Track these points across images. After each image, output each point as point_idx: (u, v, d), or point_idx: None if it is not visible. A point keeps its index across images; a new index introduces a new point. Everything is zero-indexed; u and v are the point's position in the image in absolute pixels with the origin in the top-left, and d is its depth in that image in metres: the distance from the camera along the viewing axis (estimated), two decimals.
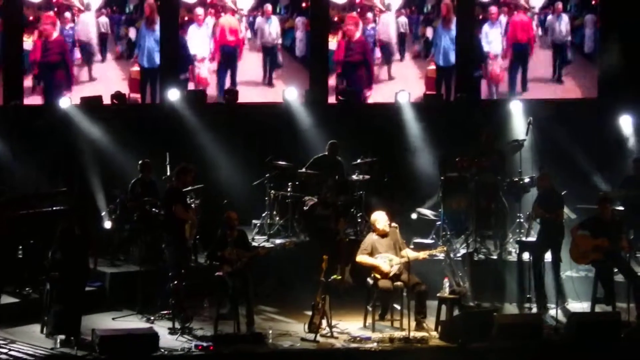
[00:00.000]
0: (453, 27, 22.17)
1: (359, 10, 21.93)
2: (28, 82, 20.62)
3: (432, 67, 22.17)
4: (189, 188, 18.54)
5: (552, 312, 17.10)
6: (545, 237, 17.71)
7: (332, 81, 21.87)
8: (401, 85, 21.47)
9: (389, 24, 21.94)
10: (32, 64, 20.64)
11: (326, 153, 20.13)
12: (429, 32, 22.11)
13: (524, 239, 18.40)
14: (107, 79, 20.93)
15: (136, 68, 21.18)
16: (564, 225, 17.76)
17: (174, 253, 16.95)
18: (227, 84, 21.39)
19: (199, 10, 21.35)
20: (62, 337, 15.28)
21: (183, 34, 21.36)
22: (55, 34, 20.78)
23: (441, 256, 17.64)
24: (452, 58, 22.18)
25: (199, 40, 21.43)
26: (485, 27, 22.27)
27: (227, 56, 21.57)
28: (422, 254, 16.71)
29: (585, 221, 17.57)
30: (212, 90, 21.36)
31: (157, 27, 21.25)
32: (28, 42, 20.60)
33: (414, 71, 22.08)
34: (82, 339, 15.29)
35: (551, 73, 22.43)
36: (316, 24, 21.85)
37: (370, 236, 16.94)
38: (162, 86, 20.96)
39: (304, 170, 19.86)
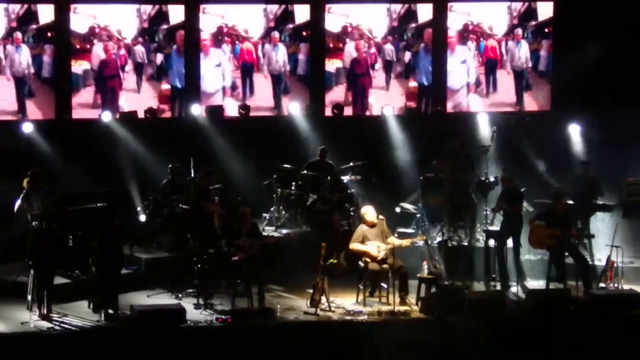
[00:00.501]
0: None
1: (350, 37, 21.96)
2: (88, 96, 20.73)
3: (414, 83, 22.05)
4: (210, 188, 18.69)
5: (514, 289, 17.27)
6: (507, 226, 17.77)
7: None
8: (386, 100, 21.60)
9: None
10: (96, 78, 20.70)
11: (318, 158, 20.16)
12: (408, 56, 21.99)
13: (489, 228, 18.40)
14: (141, 97, 20.88)
15: (166, 86, 21.03)
16: (522, 216, 17.85)
17: (201, 242, 17.16)
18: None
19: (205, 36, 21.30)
20: (105, 311, 15.45)
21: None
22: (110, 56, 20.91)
23: (421, 243, 17.59)
24: (428, 79, 22.17)
25: (210, 72, 21.39)
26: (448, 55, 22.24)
27: (246, 70, 21.46)
28: (405, 242, 16.79)
29: (540, 213, 17.66)
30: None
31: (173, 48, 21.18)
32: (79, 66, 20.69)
33: (397, 89, 22.00)
34: (122, 313, 15.42)
35: (513, 99, 22.35)
36: (315, 49, 21.78)
37: (361, 227, 16.98)
38: (186, 103, 20.90)
39: (305, 172, 19.88)
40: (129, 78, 20.92)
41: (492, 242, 18.04)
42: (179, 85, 21.14)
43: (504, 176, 18.32)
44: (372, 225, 16.86)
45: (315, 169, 19.94)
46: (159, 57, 21.12)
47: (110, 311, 15.46)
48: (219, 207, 18.01)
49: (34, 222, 15.64)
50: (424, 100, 22.14)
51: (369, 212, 17.00)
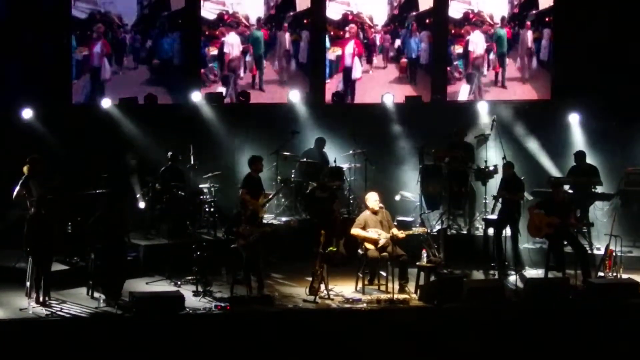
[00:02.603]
0: (419, 34, 22.02)
1: (351, 25, 21.88)
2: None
3: (404, 59, 22.06)
4: (210, 175, 18.91)
5: (512, 277, 17.19)
6: (505, 214, 17.74)
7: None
8: (386, 89, 21.49)
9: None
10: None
11: (312, 147, 20.14)
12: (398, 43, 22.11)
13: (488, 216, 18.39)
14: (137, 81, 20.90)
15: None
16: (521, 205, 17.83)
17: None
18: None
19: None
20: (104, 297, 15.31)
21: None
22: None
23: (421, 230, 17.49)
24: (415, 54, 22.06)
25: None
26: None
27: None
28: (406, 233, 16.67)
29: (540, 202, 17.62)
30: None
31: (174, 35, 21.18)
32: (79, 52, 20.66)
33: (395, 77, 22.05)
34: (121, 299, 15.29)
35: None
36: (315, 38, 21.75)
37: (364, 213, 16.89)
38: (186, 87, 20.71)
39: (305, 160, 19.85)
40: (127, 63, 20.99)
41: (491, 231, 18.05)
42: (165, 58, 21.13)
43: (505, 164, 18.28)
44: (374, 212, 16.77)
45: (310, 157, 19.91)
46: (158, 43, 21.10)
47: (111, 299, 15.34)
48: (262, 199, 17.52)
49: (32, 209, 15.50)
50: (413, 74, 22.15)
51: (370, 198, 16.92)
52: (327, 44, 21.82)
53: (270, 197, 17.82)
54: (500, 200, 17.83)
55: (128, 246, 16.47)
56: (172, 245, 17.81)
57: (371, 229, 16.59)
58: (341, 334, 15.13)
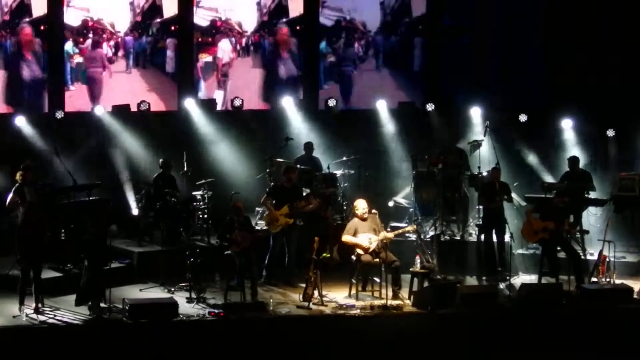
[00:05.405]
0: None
1: (344, 32, 21.97)
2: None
3: None
4: (203, 181, 18.83)
5: (505, 283, 17.20)
6: (492, 220, 17.85)
7: None
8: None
9: None
10: None
11: (303, 152, 20.09)
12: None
13: (481, 222, 18.39)
14: (134, 89, 20.88)
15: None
16: (503, 210, 17.84)
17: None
18: None
19: None
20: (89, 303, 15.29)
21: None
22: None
23: (413, 237, 17.53)
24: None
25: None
26: None
27: None
28: (394, 233, 16.76)
29: (537, 206, 17.65)
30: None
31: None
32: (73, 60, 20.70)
33: (389, 81, 22.17)
34: (114, 306, 15.28)
35: None
36: (307, 45, 21.91)
37: (353, 220, 16.92)
38: (180, 95, 20.79)
39: (298, 166, 19.67)
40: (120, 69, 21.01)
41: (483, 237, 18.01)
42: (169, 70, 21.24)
43: (494, 168, 18.33)
44: (363, 219, 16.79)
45: (301, 163, 19.79)
46: (153, 50, 21.15)
47: (97, 303, 15.31)
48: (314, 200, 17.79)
49: (23, 215, 15.50)
50: None
51: (359, 205, 16.92)
52: None
53: (295, 205, 17.72)
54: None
55: (112, 253, 16.42)
56: (166, 252, 17.71)
57: (363, 235, 16.60)
58: (335, 340, 15.14)
